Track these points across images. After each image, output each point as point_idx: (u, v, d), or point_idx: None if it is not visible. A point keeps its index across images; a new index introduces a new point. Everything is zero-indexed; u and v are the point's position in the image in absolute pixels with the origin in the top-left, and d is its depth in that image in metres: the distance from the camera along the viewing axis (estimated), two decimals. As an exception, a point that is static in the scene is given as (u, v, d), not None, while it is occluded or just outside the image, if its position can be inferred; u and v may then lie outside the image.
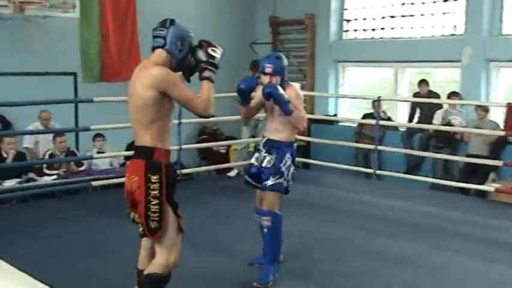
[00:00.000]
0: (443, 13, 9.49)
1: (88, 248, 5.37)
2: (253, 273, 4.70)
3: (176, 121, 7.77)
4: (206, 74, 3.46)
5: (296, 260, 5.04)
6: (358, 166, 9.05)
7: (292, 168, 4.52)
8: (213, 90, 3.46)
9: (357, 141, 9.30)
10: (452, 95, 8.73)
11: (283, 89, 4.35)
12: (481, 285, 4.73)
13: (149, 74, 3.31)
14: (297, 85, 4.79)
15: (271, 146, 4.55)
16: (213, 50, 3.48)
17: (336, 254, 5.25)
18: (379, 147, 8.22)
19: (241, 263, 5.00)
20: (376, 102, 8.19)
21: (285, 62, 4.50)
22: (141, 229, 3.46)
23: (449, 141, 8.62)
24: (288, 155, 4.50)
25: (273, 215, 4.46)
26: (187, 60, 3.50)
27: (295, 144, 4.65)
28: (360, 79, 11.11)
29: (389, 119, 9.33)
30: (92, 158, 7.87)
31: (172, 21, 3.49)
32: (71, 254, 5.20)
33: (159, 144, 3.36)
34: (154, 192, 3.29)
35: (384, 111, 9.06)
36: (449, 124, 8.47)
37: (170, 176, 3.41)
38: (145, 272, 3.43)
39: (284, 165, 4.47)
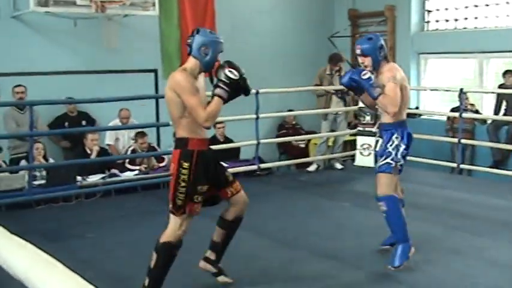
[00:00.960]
0: (531, 0, 9.09)
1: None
2: (330, 270, 4.65)
3: (254, 116, 7.79)
4: (217, 91, 3.79)
5: (377, 256, 4.94)
6: (453, 161, 8.77)
7: (402, 148, 4.48)
8: (220, 107, 3.79)
9: (452, 137, 9.00)
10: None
11: (377, 69, 4.45)
12: None
13: (172, 77, 3.81)
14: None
15: (381, 129, 4.66)
16: (230, 71, 3.77)
17: (417, 251, 5.11)
18: (463, 141, 7.96)
19: (319, 258, 4.95)
20: (463, 94, 7.95)
21: (379, 42, 4.47)
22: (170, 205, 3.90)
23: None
24: (395, 135, 4.49)
25: (385, 199, 4.49)
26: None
27: (406, 124, 4.61)
28: (443, 71, 10.78)
29: (477, 111, 9.02)
30: (170, 153, 7.99)
31: (198, 31, 3.89)
32: (147, 247, 5.28)
33: (192, 135, 3.81)
34: (184, 176, 3.77)
35: (472, 104, 8.80)
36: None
37: (202, 162, 3.81)
38: (161, 240, 3.89)
39: (391, 145, 4.49)
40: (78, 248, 5.28)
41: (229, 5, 9.99)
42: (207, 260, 4.26)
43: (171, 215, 3.88)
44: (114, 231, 5.81)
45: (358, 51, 4.50)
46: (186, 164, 3.75)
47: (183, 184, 3.77)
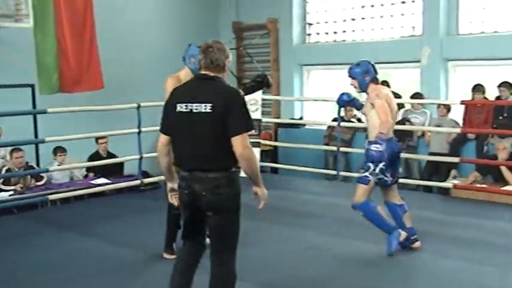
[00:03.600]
0: (402, 14, 9.54)
1: (41, 263, 5.24)
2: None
3: (136, 130, 7.62)
4: None
5: (266, 266, 4.96)
6: (328, 169, 9.03)
7: (381, 164, 5.08)
8: None
9: (326, 144, 9.25)
10: (416, 95, 8.76)
11: (365, 90, 5.27)
12: (437, 281, 4.70)
13: (165, 81, 5.05)
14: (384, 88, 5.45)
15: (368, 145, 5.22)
16: None
17: (300, 258, 5.24)
18: (342, 149, 8.22)
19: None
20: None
21: (364, 68, 5.26)
22: None
23: (405, 136, 8.56)
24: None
25: (359, 207, 5.21)
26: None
27: (392, 141, 5.20)
28: (326, 82, 11.06)
29: (359, 120, 9.31)
30: (47, 170, 7.66)
31: (189, 45, 5.24)
32: (22, 270, 5.07)
33: None
34: None
35: (354, 115, 9.12)
36: (408, 122, 8.55)
37: None
38: None
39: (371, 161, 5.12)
40: None
41: (113, 15, 9.79)
42: None
43: None
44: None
45: (348, 74, 5.37)
46: None
47: None
